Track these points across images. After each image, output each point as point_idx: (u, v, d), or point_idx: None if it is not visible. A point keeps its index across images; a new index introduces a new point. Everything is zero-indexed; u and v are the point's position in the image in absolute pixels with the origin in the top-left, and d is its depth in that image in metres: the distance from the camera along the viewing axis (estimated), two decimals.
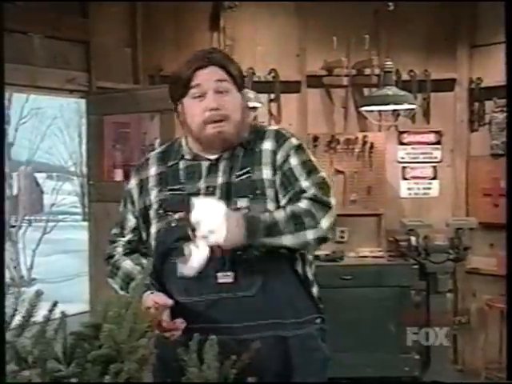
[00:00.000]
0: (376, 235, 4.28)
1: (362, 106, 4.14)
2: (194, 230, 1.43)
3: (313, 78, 4.27)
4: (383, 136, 4.31)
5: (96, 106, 3.88)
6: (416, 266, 3.96)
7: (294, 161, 1.60)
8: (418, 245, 4.00)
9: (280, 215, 1.51)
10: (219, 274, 1.52)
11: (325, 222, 1.53)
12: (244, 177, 1.58)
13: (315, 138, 4.22)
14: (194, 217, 1.42)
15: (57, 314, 1.10)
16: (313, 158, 1.64)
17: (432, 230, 4.06)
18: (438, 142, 4.36)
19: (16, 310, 1.01)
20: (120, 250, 1.70)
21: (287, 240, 1.50)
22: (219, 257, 1.51)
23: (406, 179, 4.37)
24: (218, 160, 1.61)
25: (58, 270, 10.55)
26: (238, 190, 1.57)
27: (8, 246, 10.72)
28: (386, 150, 4.31)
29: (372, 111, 4.16)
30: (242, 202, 1.55)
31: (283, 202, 1.57)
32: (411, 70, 4.22)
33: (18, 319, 1.02)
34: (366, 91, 4.29)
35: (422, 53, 4.29)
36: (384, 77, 3.98)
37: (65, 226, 14.02)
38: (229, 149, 1.61)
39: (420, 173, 4.36)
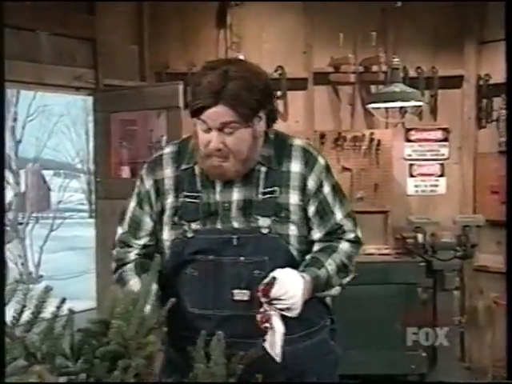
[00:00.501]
0: (383, 232, 4.27)
1: (369, 103, 4.13)
2: (267, 300, 1.40)
3: (319, 75, 4.25)
4: (390, 133, 4.30)
5: (103, 104, 3.89)
6: (423, 264, 3.94)
7: (326, 188, 1.59)
8: (425, 242, 3.99)
9: (332, 268, 1.56)
10: (235, 292, 1.51)
11: (354, 262, 1.63)
12: (268, 196, 1.53)
13: (322, 135, 4.22)
14: (277, 293, 1.40)
15: (65, 310, 1.11)
16: (334, 175, 1.65)
17: (439, 228, 4.05)
18: (446, 139, 4.34)
19: (24, 306, 1.02)
20: (132, 256, 1.63)
21: (335, 291, 1.60)
22: (237, 273, 1.51)
23: (412, 176, 4.35)
24: None
25: (65, 266, 10.59)
26: (261, 208, 1.53)
27: (16, 242, 10.76)
28: (393, 147, 4.30)
29: (379, 108, 4.14)
30: (264, 222, 1.52)
31: (318, 234, 1.59)
32: (418, 67, 4.20)
33: (26, 315, 1.02)
34: (373, 88, 4.27)
35: (430, 49, 4.27)
36: (391, 74, 3.96)
37: (72, 223, 14.08)
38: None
39: (427, 170, 4.34)
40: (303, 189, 1.55)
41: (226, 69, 1.45)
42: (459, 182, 4.31)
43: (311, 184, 1.56)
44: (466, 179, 4.30)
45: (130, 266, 1.62)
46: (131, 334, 1.09)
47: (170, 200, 1.58)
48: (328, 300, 1.66)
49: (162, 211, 1.59)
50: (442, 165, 4.35)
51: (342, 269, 1.58)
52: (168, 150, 1.66)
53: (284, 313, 1.41)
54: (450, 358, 3.90)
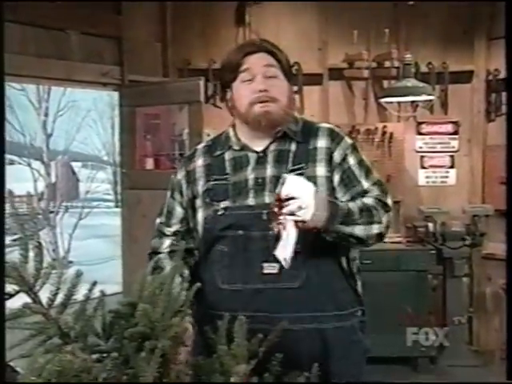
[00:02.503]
0: (395, 222, 4.23)
1: (381, 98, 4.10)
2: (279, 206, 1.36)
3: (334, 70, 4.23)
4: (402, 126, 4.26)
5: (128, 99, 3.90)
6: (433, 252, 3.92)
7: (352, 160, 1.57)
8: (436, 231, 3.96)
9: (353, 206, 1.49)
10: (265, 265, 1.48)
11: (385, 220, 1.54)
12: (296, 172, 1.52)
13: None
14: (286, 191, 1.36)
15: (96, 293, 1.12)
16: (363, 156, 1.62)
17: (449, 217, 4.02)
18: (456, 132, 4.29)
19: (59, 288, 1.03)
20: (166, 244, 1.63)
21: (358, 230, 1.49)
22: (266, 247, 1.47)
23: (424, 168, 4.32)
24: (265, 152, 1.57)
25: (93, 253, 10.71)
26: None
27: (47, 230, 10.90)
28: (405, 140, 4.26)
29: (391, 102, 4.10)
30: None
31: (344, 199, 1.55)
32: (430, 63, 4.16)
33: (60, 297, 1.04)
34: (385, 83, 4.24)
35: (441, 46, 4.21)
36: (403, 69, 3.92)
37: (99, 212, 14.23)
38: (275, 140, 1.57)
39: (438, 162, 4.30)
40: (329, 161, 1.55)
41: (257, 39, 1.68)
42: (469, 174, 4.27)
43: (336, 156, 1.56)
44: (475, 171, 4.25)
45: (165, 254, 1.62)
46: (157, 316, 1.09)
47: (201, 185, 1.60)
48: (359, 289, 1.62)
49: (195, 197, 1.61)
50: (452, 157, 4.31)
51: (365, 212, 1.49)
52: (202, 144, 1.71)
53: (298, 215, 1.36)
54: (458, 341, 3.89)
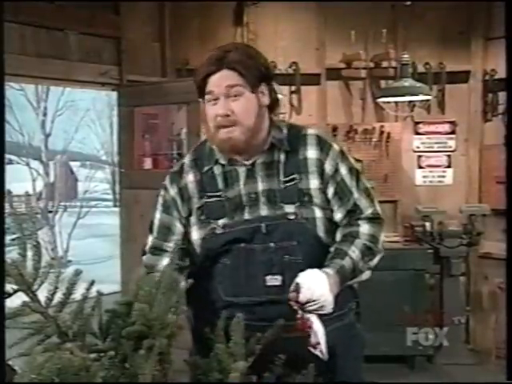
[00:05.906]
0: (392, 221, 4.24)
1: (379, 98, 4.10)
2: (300, 307, 1.38)
3: (332, 70, 4.23)
4: (399, 126, 4.27)
5: (127, 98, 3.90)
6: (430, 251, 3.93)
7: (343, 170, 1.56)
8: (433, 230, 3.97)
9: (356, 254, 1.51)
10: (268, 277, 1.48)
11: (381, 240, 1.58)
12: (290, 184, 1.52)
13: (334, 128, 4.20)
14: (305, 298, 1.37)
15: (93, 292, 1.12)
16: (352, 160, 1.62)
17: (446, 216, 4.03)
18: (453, 132, 4.30)
19: (57, 287, 1.03)
20: (164, 263, 1.52)
21: (365, 275, 1.56)
22: (268, 259, 1.48)
23: (421, 167, 4.32)
24: (253, 165, 1.54)
25: (91, 252, 10.72)
26: (285, 196, 1.51)
27: (46, 229, 10.89)
28: (402, 140, 4.27)
29: (389, 102, 4.11)
30: (289, 208, 1.50)
31: (339, 214, 1.56)
32: (427, 63, 4.16)
33: (58, 296, 1.04)
34: (383, 83, 4.25)
35: (438, 46, 4.22)
36: (401, 69, 3.93)
37: (97, 212, 14.22)
38: (260, 153, 1.54)
39: (435, 161, 4.31)
40: (321, 173, 1.54)
41: (227, 46, 1.52)
42: (466, 173, 4.27)
43: (328, 168, 1.54)
44: (472, 170, 4.26)
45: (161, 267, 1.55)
46: (154, 315, 1.09)
47: (195, 202, 1.56)
48: (355, 284, 1.63)
49: (190, 214, 1.57)
50: (449, 156, 4.31)
51: (367, 252, 1.53)
52: (187, 158, 1.63)
53: (319, 312, 1.39)
54: (455, 340, 3.89)
